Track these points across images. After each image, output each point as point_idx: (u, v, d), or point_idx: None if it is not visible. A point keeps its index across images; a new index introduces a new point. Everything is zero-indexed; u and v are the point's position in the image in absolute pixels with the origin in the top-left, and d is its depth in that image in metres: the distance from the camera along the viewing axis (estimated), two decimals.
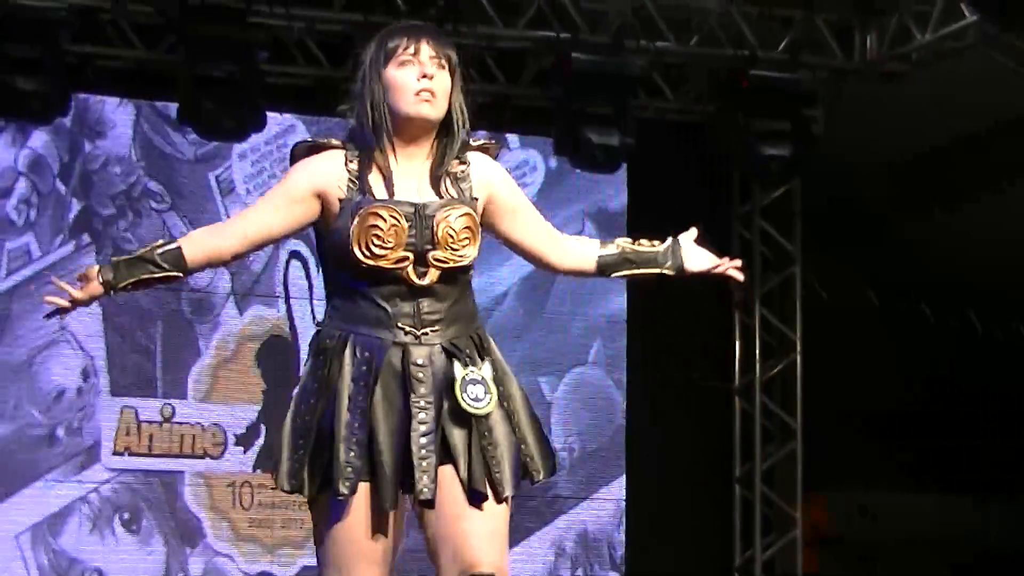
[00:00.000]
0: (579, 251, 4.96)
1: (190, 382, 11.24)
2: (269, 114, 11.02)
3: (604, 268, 4.98)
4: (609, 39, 11.13)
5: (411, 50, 4.65)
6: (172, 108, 10.96)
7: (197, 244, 4.70)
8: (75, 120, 10.97)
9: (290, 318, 11.38)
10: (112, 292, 4.64)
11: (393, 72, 4.63)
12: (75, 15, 10.38)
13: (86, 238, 11.05)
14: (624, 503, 11.95)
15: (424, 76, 4.59)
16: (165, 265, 4.67)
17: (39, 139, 11.02)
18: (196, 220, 10.98)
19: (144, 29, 10.92)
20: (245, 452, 10.87)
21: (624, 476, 11.92)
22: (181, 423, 11.18)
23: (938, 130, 12.61)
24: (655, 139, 11.59)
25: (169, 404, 11.16)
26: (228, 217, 10.39)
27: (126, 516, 11.00)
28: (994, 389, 14.96)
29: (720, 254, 12.42)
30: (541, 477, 4.72)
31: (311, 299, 11.21)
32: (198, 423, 11.20)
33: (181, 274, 4.68)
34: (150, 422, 11.16)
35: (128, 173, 11.16)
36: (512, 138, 11.76)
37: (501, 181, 4.74)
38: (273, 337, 11.30)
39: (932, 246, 13.76)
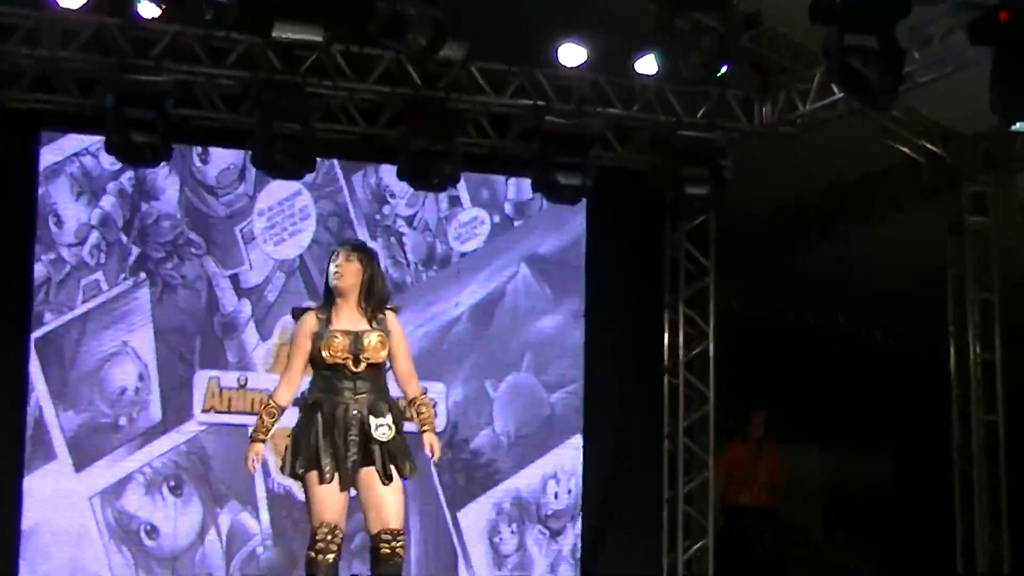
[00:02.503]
0: (404, 389, 7.13)
1: (259, 358, 11.54)
2: (279, 182, 11.55)
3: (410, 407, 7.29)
4: (574, 107, 11.50)
5: (335, 255, 7.01)
6: (210, 177, 11.52)
7: (285, 396, 6.97)
8: (135, 188, 11.39)
9: None
10: (264, 439, 6.96)
11: (329, 266, 7.00)
12: (178, 86, 10.75)
13: (143, 275, 11.41)
14: (582, 453, 12.17)
15: (338, 267, 6.94)
16: (277, 416, 6.97)
17: (108, 202, 11.36)
18: (226, 262, 11.58)
19: (228, 98, 11.31)
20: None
21: (580, 436, 12.21)
22: (252, 389, 11.44)
23: (817, 177, 12.97)
24: (608, 181, 11.98)
25: (243, 375, 11.47)
26: (248, 258, 11.54)
27: (172, 483, 11.28)
28: (854, 371, 15.23)
29: (655, 268, 12.39)
30: (411, 473, 6.98)
31: None
32: (265, 389, 10.80)
33: (282, 412, 7.03)
34: (229, 388, 11.45)
35: (174, 227, 11.50)
36: (466, 200, 12.11)
37: (396, 332, 7.04)
38: None
39: (813, 263, 14.06)
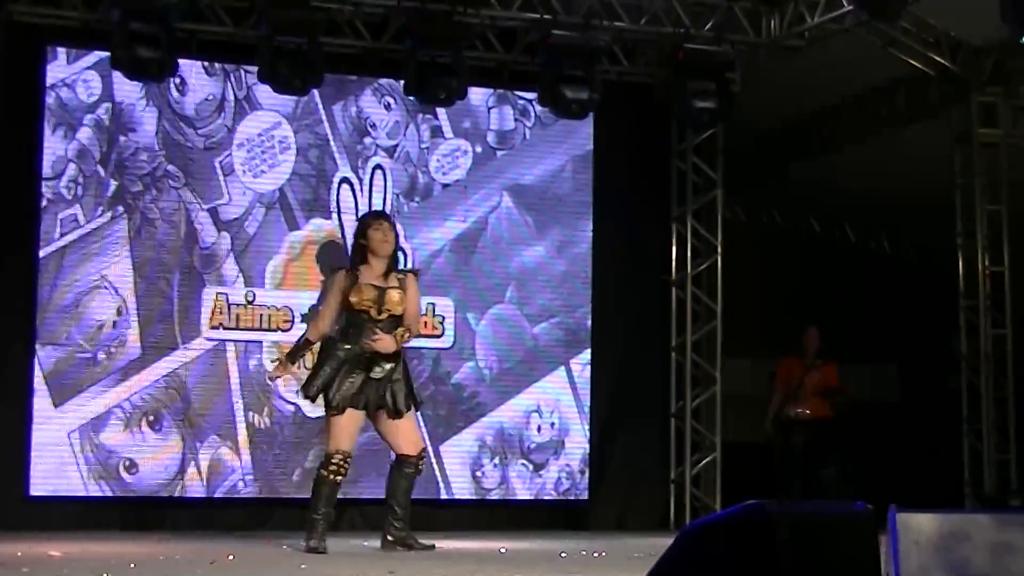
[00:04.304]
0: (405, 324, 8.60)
1: (267, 275, 11.56)
2: (257, 113, 11.58)
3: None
4: (580, 20, 11.47)
5: (378, 224, 8.49)
6: (189, 108, 11.44)
7: (314, 333, 8.48)
8: (112, 119, 11.31)
9: (340, 227, 11.68)
10: (292, 362, 8.48)
11: (372, 233, 8.42)
12: (183, 0, 10.78)
13: (120, 209, 11.34)
14: (590, 367, 12.22)
15: (386, 237, 8.41)
16: (306, 348, 8.50)
17: (84, 134, 11.26)
18: (204, 195, 11.51)
19: (234, 11, 11.36)
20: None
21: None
22: (260, 305, 11.52)
23: (824, 91, 12.97)
24: (615, 95, 12.02)
25: (251, 291, 11.49)
26: (227, 190, 11.48)
27: (151, 418, 11.25)
28: (862, 284, 15.18)
29: (662, 182, 12.48)
30: (415, 409, 8.69)
31: (356, 213, 11.35)
32: (273, 305, 11.53)
33: (312, 345, 8.53)
34: (237, 304, 11.48)
35: (152, 159, 11.40)
36: (447, 130, 12.05)
37: (412, 293, 8.45)
38: (329, 241, 11.62)
39: (819, 177, 14.07)
